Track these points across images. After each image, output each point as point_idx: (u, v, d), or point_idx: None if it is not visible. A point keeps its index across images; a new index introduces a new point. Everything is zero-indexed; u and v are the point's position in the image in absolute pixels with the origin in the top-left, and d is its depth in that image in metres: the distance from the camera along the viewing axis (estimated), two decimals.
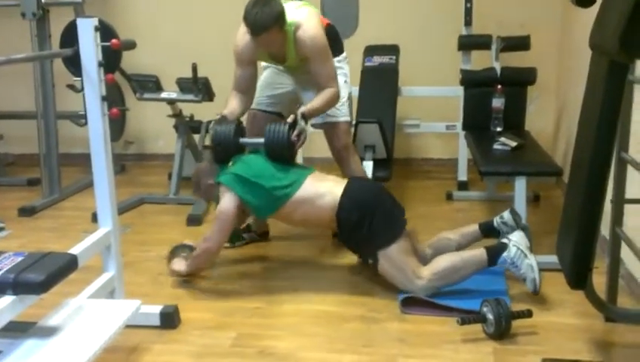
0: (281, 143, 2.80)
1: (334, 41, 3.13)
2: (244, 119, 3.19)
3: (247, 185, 2.76)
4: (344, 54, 3.24)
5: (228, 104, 3.06)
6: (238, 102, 3.05)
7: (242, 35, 2.95)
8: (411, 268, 2.67)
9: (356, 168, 3.25)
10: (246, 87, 3.08)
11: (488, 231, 2.92)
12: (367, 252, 2.77)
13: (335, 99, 3.02)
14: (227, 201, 2.78)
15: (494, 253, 2.68)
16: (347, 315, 2.63)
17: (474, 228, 2.95)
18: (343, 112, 3.17)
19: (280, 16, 2.81)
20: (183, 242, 3.10)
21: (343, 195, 2.73)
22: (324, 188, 2.78)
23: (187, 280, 2.95)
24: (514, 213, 2.87)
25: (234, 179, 2.77)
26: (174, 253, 3.02)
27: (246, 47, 2.96)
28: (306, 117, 2.89)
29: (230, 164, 2.87)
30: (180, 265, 2.95)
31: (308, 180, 2.79)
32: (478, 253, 2.70)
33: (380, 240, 2.69)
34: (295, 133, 2.82)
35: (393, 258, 2.67)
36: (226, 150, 2.88)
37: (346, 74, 3.22)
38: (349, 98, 3.24)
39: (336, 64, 3.12)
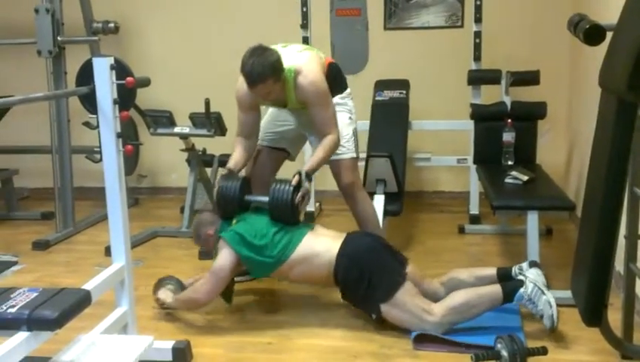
0: (284, 205, 2.81)
1: (337, 79, 3.17)
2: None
3: (248, 246, 2.77)
4: (348, 90, 3.26)
5: (233, 153, 3.10)
6: (243, 150, 3.09)
7: (242, 82, 2.98)
8: (421, 307, 2.64)
9: (364, 204, 3.26)
10: (249, 132, 3.12)
11: (505, 278, 2.83)
12: (369, 307, 2.74)
13: (335, 146, 3.05)
14: (225, 258, 2.78)
15: (511, 290, 2.65)
16: (358, 351, 2.61)
17: (490, 272, 2.88)
18: (348, 149, 3.19)
19: (276, 67, 2.84)
20: (171, 275, 3.09)
21: (339, 254, 2.74)
22: (320, 247, 2.79)
23: (169, 312, 2.95)
24: (534, 263, 2.83)
25: (236, 237, 2.78)
26: (160, 283, 3.03)
27: (246, 94, 2.99)
28: (309, 175, 2.92)
29: (234, 221, 2.88)
30: (165, 295, 2.94)
31: (305, 239, 2.80)
32: (494, 289, 2.68)
33: (381, 294, 2.67)
34: (299, 195, 2.84)
35: (399, 304, 2.65)
36: (230, 206, 2.90)
37: (351, 110, 3.25)
38: (355, 134, 3.25)
39: (339, 100, 3.17)
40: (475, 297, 2.66)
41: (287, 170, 3.45)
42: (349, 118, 3.22)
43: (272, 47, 3.02)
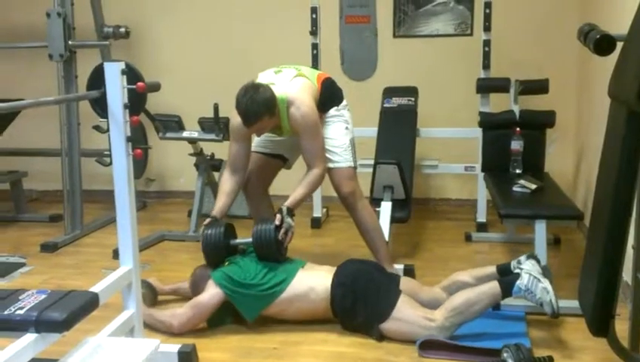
0: (268, 244, 2.86)
1: (333, 94, 3.23)
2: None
3: (237, 287, 2.78)
4: (344, 103, 3.30)
5: (218, 195, 3.16)
6: (228, 191, 3.13)
7: (237, 114, 3.00)
8: (421, 316, 2.65)
9: (365, 213, 3.27)
10: (241, 165, 3.17)
11: (506, 274, 2.84)
12: (370, 330, 2.74)
13: (319, 180, 3.11)
14: (210, 296, 2.79)
15: (507, 284, 2.66)
16: (364, 358, 2.61)
17: (491, 270, 2.90)
18: (345, 158, 3.21)
19: (270, 104, 2.91)
20: (146, 279, 3.08)
21: (333, 285, 2.77)
22: (315, 281, 2.81)
23: None
24: (531, 255, 2.84)
25: (225, 278, 2.80)
26: (146, 293, 3.01)
27: (241, 127, 3.03)
28: (291, 210, 2.96)
29: (226, 263, 2.90)
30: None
31: (297, 276, 2.82)
32: (492, 285, 2.69)
33: (379, 315, 2.69)
34: (282, 231, 2.88)
35: (398, 318, 2.67)
36: (217, 253, 2.93)
37: (347, 120, 3.27)
38: (352, 143, 3.27)
39: (335, 113, 3.22)
40: (474, 295, 2.66)
41: (285, 178, 3.48)
42: (346, 128, 3.25)
43: (265, 72, 3.12)
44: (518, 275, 2.68)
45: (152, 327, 2.81)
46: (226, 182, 3.16)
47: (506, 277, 2.73)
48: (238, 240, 3.04)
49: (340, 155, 3.20)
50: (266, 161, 3.33)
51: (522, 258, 2.83)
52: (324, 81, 3.22)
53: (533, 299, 2.64)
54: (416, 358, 2.58)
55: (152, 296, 3.06)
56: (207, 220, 3.05)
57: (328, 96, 3.20)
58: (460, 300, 2.66)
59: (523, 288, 2.64)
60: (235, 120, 3.05)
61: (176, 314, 2.83)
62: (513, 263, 2.84)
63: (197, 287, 2.95)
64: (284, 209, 2.94)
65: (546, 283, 2.62)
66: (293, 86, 3.05)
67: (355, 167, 3.27)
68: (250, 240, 2.93)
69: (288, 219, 2.92)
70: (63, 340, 1.98)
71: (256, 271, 2.82)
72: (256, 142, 3.30)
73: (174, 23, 5.10)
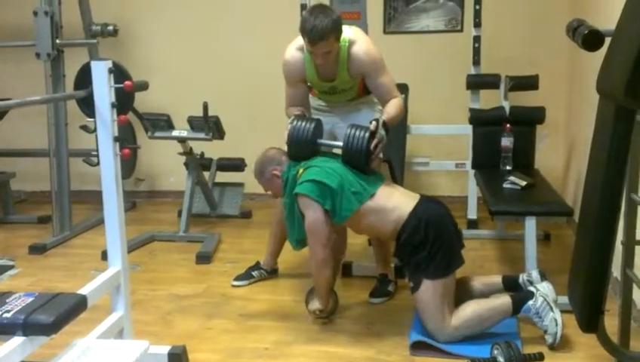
0: (359, 150, 2.73)
1: None
2: None
3: (325, 191, 2.68)
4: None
5: (291, 112, 2.99)
6: (300, 109, 3.00)
7: (292, 53, 2.95)
8: (445, 312, 2.61)
9: None
10: (300, 102, 3.05)
11: (512, 286, 2.82)
12: (413, 274, 2.67)
13: (403, 107, 2.98)
14: (313, 212, 2.69)
15: (520, 302, 2.64)
16: (356, 357, 2.60)
17: (496, 279, 2.87)
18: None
19: (338, 23, 2.79)
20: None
21: (411, 213, 2.68)
22: (393, 203, 2.72)
23: (326, 321, 2.92)
24: (544, 276, 2.81)
25: (311, 186, 2.69)
26: (309, 296, 2.97)
27: (296, 65, 2.95)
28: (386, 125, 2.82)
29: (301, 169, 2.78)
30: (313, 303, 2.90)
31: (380, 190, 2.74)
32: (504, 301, 2.65)
33: (432, 269, 2.61)
34: (375, 141, 2.75)
35: (436, 293, 2.60)
36: (301, 147, 2.81)
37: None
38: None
39: (376, 100, 3.11)
40: (486, 311, 2.63)
41: None
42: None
43: None
44: (532, 295, 2.65)
45: (324, 285, 2.82)
46: (294, 108, 3.00)
47: (520, 294, 2.69)
48: (325, 141, 2.91)
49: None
50: None
51: (533, 274, 2.80)
52: None
53: (539, 323, 2.62)
54: (408, 357, 2.58)
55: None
56: (297, 112, 2.93)
57: None
58: (472, 314, 2.62)
59: (533, 310, 2.62)
60: (290, 59, 2.95)
61: (311, 255, 2.76)
62: (522, 277, 2.81)
63: (263, 168, 2.89)
64: (381, 121, 2.78)
65: (557, 314, 2.59)
66: (351, 30, 2.94)
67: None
68: (339, 144, 2.82)
69: (382, 131, 2.77)
70: (51, 343, 1.97)
71: (343, 174, 2.72)
72: None
73: (163, 21, 5.07)
